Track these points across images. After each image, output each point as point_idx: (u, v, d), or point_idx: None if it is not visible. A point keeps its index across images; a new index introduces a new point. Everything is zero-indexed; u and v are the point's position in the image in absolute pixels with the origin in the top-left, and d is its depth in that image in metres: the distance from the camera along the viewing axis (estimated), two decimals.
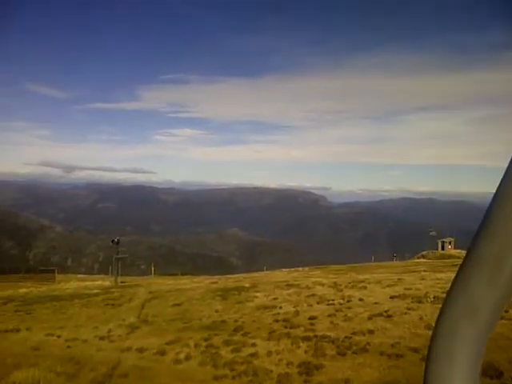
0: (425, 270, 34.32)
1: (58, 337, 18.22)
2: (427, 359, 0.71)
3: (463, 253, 64.32)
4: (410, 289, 23.19)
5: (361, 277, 30.42)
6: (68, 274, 59.92)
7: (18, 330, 19.55)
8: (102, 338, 17.75)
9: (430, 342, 0.72)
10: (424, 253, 70.10)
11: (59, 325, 20.46)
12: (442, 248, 71.49)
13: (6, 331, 19.43)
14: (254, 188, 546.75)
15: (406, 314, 18.13)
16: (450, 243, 72.34)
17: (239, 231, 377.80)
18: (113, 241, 44.07)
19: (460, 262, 0.70)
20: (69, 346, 16.68)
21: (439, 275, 28.87)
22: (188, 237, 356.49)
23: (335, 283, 26.64)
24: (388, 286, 24.81)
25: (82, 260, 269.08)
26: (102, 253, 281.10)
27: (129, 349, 15.93)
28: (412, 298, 20.65)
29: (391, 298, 21.45)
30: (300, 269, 48.95)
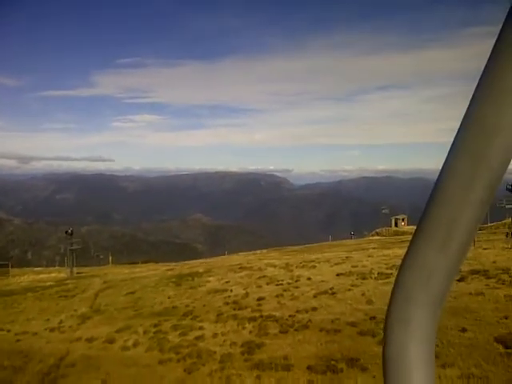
0: (374, 248, 35.46)
1: (8, 331, 18.26)
2: (384, 325, 0.76)
3: None
4: (357, 266, 24.02)
5: (313, 256, 31.24)
6: (24, 268, 58.76)
7: None
8: (52, 330, 17.90)
9: (387, 308, 0.76)
10: (378, 230, 71.99)
11: (10, 319, 20.44)
12: (396, 225, 73.57)
13: None
14: (216, 172, 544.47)
15: (349, 290, 18.86)
16: (403, 220, 74.53)
17: (203, 216, 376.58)
18: (66, 232, 43.89)
19: (411, 237, 0.76)
20: (18, 340, 16.78)
21: (386, 252, 29.93)
22: (151, 224, 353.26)
23: (287, 264, 27.32)
24: (336, 264, 25.64)
25: (43, 253, 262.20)
26: (63, 245, 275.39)
27: (78, 339, 16.16)
28: (357, 275, 21.44)
29: (337, 275, 22.23)
30: (258, 251, 49.67)
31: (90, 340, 15.83)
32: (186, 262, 46.16)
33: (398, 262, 0.81)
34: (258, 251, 49.99)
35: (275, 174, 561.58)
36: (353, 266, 24.07)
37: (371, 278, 20.70)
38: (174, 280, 26.08)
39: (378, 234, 69.72)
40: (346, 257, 28.38)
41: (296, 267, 25.74)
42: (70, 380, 12.32)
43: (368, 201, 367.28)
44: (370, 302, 16.62)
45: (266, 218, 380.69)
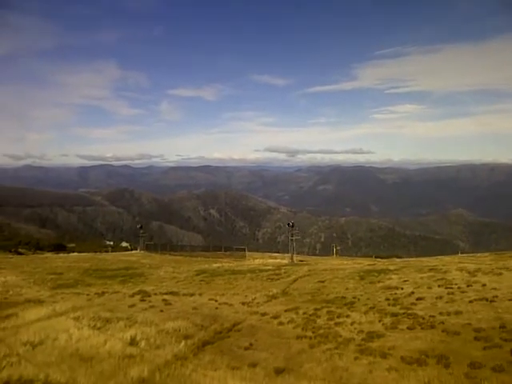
0: None
1: (216, 301, 23.71)
2: None
3: None
4: None
5: None
6: (264, 253, 67.52)
7: (192, 295, 25.73)
8: (243, 304, 22.66)
9: None
10: None
11: (222, 292, 26.09)
12: None
13: (184, 295, 25.77)
14: (483, 164, 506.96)
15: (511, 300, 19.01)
16: None
17: (465, 212, 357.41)
18: (288, 224, 50.03)
19: None
20: (217, 308, 21.94)
21: None
22: (408, 218, 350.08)
23: (477, 269, 27.18)
24: None
25: (305, 240, 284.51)
26: (324, 233, 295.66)
27: (256, 313, 20.45)
28: None
29: None
30: (479, 254, 47.70)
31: (263, 314, 19.95)
32: (399, 259, 47.27)
33: None
34: (479, 254, 48.00)
35: None
36: None
37: None
38: (361, 274, 28.68)
39: None
40: None
41: (483, 273, 25.68)
42: (231, 340, 16.50)
43: None
44: None
45: None
